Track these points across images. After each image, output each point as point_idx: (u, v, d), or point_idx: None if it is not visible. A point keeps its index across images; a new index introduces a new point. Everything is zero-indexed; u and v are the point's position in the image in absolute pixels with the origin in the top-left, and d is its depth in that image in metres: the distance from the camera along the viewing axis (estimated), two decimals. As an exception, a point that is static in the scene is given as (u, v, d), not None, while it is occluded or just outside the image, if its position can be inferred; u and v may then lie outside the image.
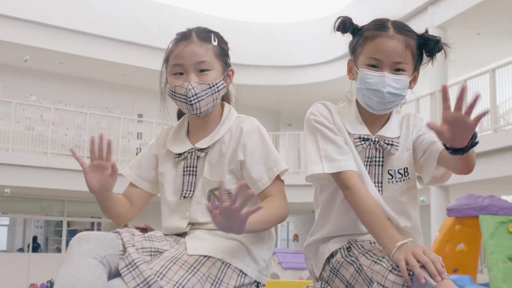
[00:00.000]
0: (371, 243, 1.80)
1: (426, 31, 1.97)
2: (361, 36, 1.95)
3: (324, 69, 20.26)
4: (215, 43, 2.02)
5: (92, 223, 21.18)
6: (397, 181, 1.92)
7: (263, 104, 22.54)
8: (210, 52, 1.98)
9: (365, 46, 1.93)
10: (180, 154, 2.03)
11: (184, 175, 1.95)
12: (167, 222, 1.91)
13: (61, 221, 20.64)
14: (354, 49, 1.98)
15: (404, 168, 1.93)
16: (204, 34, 2.04)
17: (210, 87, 1.96)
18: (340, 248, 1.81)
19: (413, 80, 1.97)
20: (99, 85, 20.51)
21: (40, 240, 21.21)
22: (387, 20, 1.96)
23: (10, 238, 21.33)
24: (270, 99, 22.49)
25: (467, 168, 1.74)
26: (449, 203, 9.31)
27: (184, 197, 1.91)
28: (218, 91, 2.00)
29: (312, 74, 20.56)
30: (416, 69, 1.97)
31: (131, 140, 18.44)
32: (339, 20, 2.00)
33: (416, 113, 2.11)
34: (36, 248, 20.45)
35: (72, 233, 21.07)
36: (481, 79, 13.25)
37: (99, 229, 21.06)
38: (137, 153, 18.21)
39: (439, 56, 1.88)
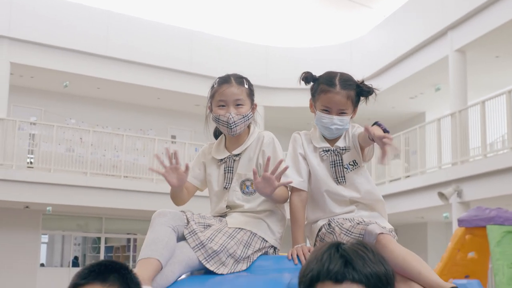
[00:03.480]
0: (344, 219, 2.57)
1: (362, 82, 2.75)
2: (318, 86, 2.73)
3: (349, 91, 20.90)
4: (246, 86, 2.80)
5: (129, 239, 21.94)
6: (351, 170, 2.68)
7: (292, 125, 23.09)
8: (244, 93, 2.78)
9: (321, 96, 2.73)
10: (221, 159, 2.81)
11: (225, 173, 2.75)
12: (215, 206, 2.74)
13: (99, 238, 21.40)
14: (313, 94, 2.77)
15: (353, 161, 2.70)
16: (239, 80, 2.83)
17: (243, 117, 2.75)
18: (324, 225, 2.60)
19: (353, 115, 2.74)
20: (134, 108, 21.36)
21: (79, 257, 22.01)
22: (335, 76, 2.73)
23: (50, 254, 22.07)
24: (298, 120, 23.06)
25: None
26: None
27: (225, 188, 2.72)
28: (248, 119, 2.78)
29: (338, 96, 21.21)
30: (354, 108, 2.74)
31: (165, 160, 19.11)
32: (303, 75, 2.79)
33: (354, 124, 2.87)
34: (75, 263, 21.27)
35: (109, 249, 21.84)
36: (499, 100, 13.71)
37: (135, 245, 21.81)
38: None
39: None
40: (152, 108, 21.70)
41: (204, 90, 14.27)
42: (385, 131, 2.48)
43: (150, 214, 11.92)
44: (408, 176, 17.29)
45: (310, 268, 1.47)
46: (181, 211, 2.59)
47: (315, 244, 2.66)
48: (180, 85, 20.08)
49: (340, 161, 2.71)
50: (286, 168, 2.45)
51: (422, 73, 17.23)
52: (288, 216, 2.70)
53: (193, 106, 21.33)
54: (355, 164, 2.72)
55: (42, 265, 20.85)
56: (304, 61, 21.41)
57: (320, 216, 2.67)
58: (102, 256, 21.16)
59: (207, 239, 2.42)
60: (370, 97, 2.80)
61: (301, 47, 22.03)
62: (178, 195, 2.81)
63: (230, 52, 20.85)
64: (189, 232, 2.45)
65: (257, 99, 12.98)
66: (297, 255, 2.53)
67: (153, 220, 2.49)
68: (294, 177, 2.67)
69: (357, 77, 12.31)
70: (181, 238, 2.47)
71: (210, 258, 2.39)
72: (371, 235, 2.37)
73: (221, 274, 2.40)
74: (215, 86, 2.85)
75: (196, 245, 2.40)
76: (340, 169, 2.70)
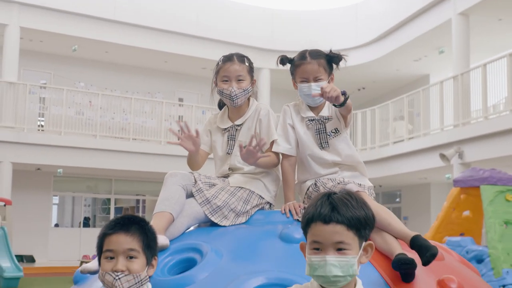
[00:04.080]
0: (328, 179, 2.94)
1: (330, 51, 3.09)
2: (293, 64, 3.07)
3: (354, 54, 21.03)
4: (247, 64, 3.15)
5: (138, 200, 22.46)
6: (333, 137, 3.04)
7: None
8: (244, 69, 3.13)
9: (297, 70, 3.07)
10: (225, 129, 3.17)
11: (228, 140, 3.12)
12: (219, 168, 3.12)
13: (109, 199, 21.89)
14: (292, 72, 3.10)
15: (335, 129, 3.05)
16: (241, 58, 3.18)
17: (244, 91, 3.11)
18: (311, 184, 2.98)
19: (331, 81, 3.07)
20: (142, 72, 21.65)
21: (90, 218, 22.51)
22: (305, 51, 3.09)
23: (60, 215, 22.55)
24: (302, 82, 23.34)
25: (349, 111, 2.99)
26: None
27: (228, 153, 3.10)
28: (248, 93, 3.13)
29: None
30: (329, 75, 3.07)
31: (173, 123, 19.42)
32: (279, 58, 3.13)
33: None
34: (86, 224, 21.82)
35: (118, 210, 22.33)
36: (500, 63, 13.92)
37: (144, 206, 22.31)
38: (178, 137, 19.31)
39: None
40: (160, 71, 21.99)
41: (211, 54, 14.77)
42: (343, 93, 2.82)
43: (159, 176, 12.66)
44: (411, 138, 17.59)
45: (308, 211, 1.86)
46: (189, 172, 2.96)
47: (304, 201, 3.03)
48: (187, 48, 20.30)
49: (324, 129, 3.05)
50: (264, 143, 2.83)
51: (425, 36, 17.41)
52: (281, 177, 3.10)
53: (200, 69, 21.59)
54: (337, 131, 3.06)
55: (55, 225, 21.39)
56: (310, 24, 21.57)
57: (308, 177, 3.04)
58: (112, 217, 21.63)
59: (212, 196, 2.81)
60: (341, 63, 3.14)
61: (306, 10, 22.14)
62: (194, 160, 3.17)
63: (237, 15, 21.02)
64: (197, 190, 2.84)
65: (263, 62, 13.52)
66: (289, 210, 2.91)
67: (165, 180, 2.87)
68: (284, 145, 3.04)
69: (363, 39, 12.73)
70: (190, 195, 2.86)
71: (215, 212, 2.79)
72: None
73: (224, 226, 2.80)
74: (219, 63, 3.19)
75: (203, 201, 2.79)
76: (323, 136, 3.04)
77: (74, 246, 20.39)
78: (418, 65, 20.39)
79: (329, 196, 1.85)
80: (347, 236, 1.76)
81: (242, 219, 2.85)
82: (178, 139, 3.10)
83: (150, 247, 2.07)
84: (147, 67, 21.64)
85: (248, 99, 3.21)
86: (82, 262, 15.37)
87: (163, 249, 2.45)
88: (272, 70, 21.27)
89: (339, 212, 1.78)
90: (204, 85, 22.76)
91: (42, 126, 17.86)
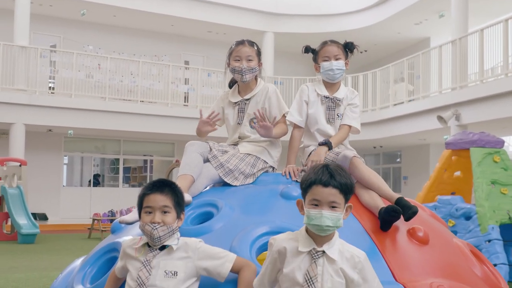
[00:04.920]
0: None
1: (345, 41, 3.65)
2: (315, 51, 3.63)
3: (356, 17, 21.38)
4: (256, 48, 3.69)
5: (145, 161, 23.07)
6: (339, 118, 3.59)
7: (298, 49, 23.74)
8: (253, 52, 3.66)
9: (319, 52, 3.63)
10: (236, 102, 3.72)
11: (238, 112, 3.67)
12: (230, 137, 3.68)
13: (117, 159, 22.50)
14: (314, 58, 3.65)
15: (342, 114, 3.61)
16: (251, 43, 3.72)
17: (252, 69, 3.64)
18: (313, 149, 3.54)
19: (346, 65, 3.63)
20: (148, 35, 22.04)
21: (100, 176, 23.14)
22: (326, 40, 3.63)
23: (70, 175, 23.14)
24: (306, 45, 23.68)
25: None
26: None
27: (238, 123, 3.65)
28: (255, 71, 3.67)
29: (346, 22, 21.62)
30: (346, 58, 3.63)
31: (179, 85, 19.90)
32: (303, 47, 3.72)
33: (354, 90, 3.77)
34: (95, 183, 22.48)
35: (126, 170, 22.95)
36: (497, 28, 14.31)
37: (151, 166, 22.91)
38: (185, 97, 19.76)
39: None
40: (166, 34, 22.37)
41: (216, 17, 15.43)
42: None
43: (165, 137, 13.62)
44: (411, 100, 18.07)
45: (310, 177, 2.41)
46: (205, 142, 3.52)
47: (305, 162, 3.59)
48: (193, 12, 20.65)
49: (334, 107, 3.63)
50: (275, 119, 3.44)
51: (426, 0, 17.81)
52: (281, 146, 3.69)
53: (206, 32, 21.97)
54: (341, 116, 3.64)
55: (65, 185, 21.99)
56: (313, -13, 21.83)
57: (312, 143, 3.63)
58: (120, 176, 22.30)
59: (224, 161, 3.38)
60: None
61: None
62: (203, 135, 3.73)
63: (241, -20, 21.31)
64: (212, 157, 3.41)
65: (267, 25, 14.15)
66: (289, 173, 3.49)
67: (186, 149, 3.43)
68: (297, 117, 3.62)
69: (365, 3, 13.34)
70: (206, 160, 3.43)
71: (227, 174, 3.36)
72: (347, 158, 3.29)
73: (235, 186, 3.37)
74: (233, 46, 3.74)
75: (217, 165, 3.36)
76: (332, 112, 3.63)
77: (85, 205, 21.08)
78: (418, 28, 20.73)
79: (327, 167, 2.41)
80: (339, 197, 2.33)
81: (250, 180, 3.43)
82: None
83: (179, 204, 2.64)
84: (154, 30, 22.03)
85: (256, 78, 3.76)
86: (94, 220, 16.02)
87: (187, 204, 3.02)
88: (276, 34, 21.64)
89: (335, 179, 2.34)
90: (209, 48, 23.28)
91: (53, 89, 18.36)
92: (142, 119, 18.85)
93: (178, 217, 2.61)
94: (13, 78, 17.25)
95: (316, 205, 2.32)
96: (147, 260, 2.52)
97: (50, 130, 19.49)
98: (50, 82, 18.53)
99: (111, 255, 3.03)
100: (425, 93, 17.36)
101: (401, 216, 2.91)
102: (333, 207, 2.32)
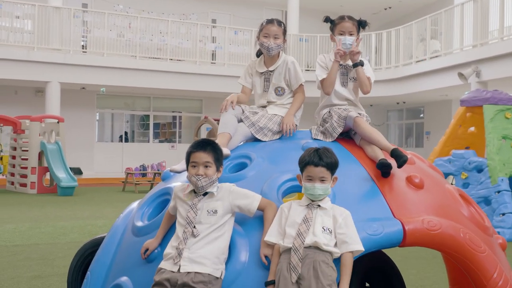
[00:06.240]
0: (338, 108, 4.10)
1: (360, 19, 4.23)
2: (334, 22, 4.21)
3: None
4: (283, 27, 4.26)
5: (174, 117, 23.71)
6: (352, 82, 4.16)
7: (325, 7, 24.08)
8: (280, 31, 4.24)
9: (337, 26, 4.19)
10: (262, 72, 4.33)
11: (264, 81, 4.27)
12: (258, 101, 4.28)
13: (147, 116, 23.24)
14: (332, 29, 4.23)
15: (354, 77, 4.20)
16: (279, 22, 4.29)
17: (278, 45, 4.21)
18: (326, 111, 4.15)
19: (357, 39, 4.21)
20: (176, -6, 22.58)
21: (129, 133, 23.95)
22: (344, 15, 4.21)
23: (101, 131, 23.91)
24: (332, 2, 23.95)
25: (361, 78, 4.14)
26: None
27: (265, 91, 4.25)
28: (281, 47, 4.25)
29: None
30: (358, 33, 4.21)
31: (207, 43, 20.44)
32: (324, 17, 4.27)
33: (366, 62, 4.34)
34: (126, 139, 23.30)
35: (156, 126, 23.71)
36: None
37: (180, 122, 23.62)
38: (212, 55, 20.32)
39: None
40: (193, -7, 22.88)
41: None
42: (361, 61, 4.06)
43: (193, 93, 14.79)
44: (433, 57, 18.47)
45: (304, 158, 3.12)
46: (238, 105, 4.12)
47: (320, 123, 4.18)
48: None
49: (347, 72, 4.20)
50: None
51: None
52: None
53: (232, -9, 22.46)
54: (355, 79, 4.21)
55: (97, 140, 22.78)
56: None
57: (326, 104, 4.21)
58: (151, 132, 23.07)
59: (255, 120, 3.99)
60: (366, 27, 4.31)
61: None
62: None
63: None
64: (245, 117, 4.02)
65: None
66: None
67: (222, 113, 4.05)
68: (323, 75, 4.18)
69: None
70: (240, 121, 4.05)
71: (258, 132, 3.97)
72: (351, 118, 3.91)
73: (264, 141, 3.99)
74: (263, 24, 4.32)
75: (249, 124, 3.98)
76: (346, 77, 4.20)
77: (117, 159, 21.94)
78: (442, -15, 20.96)
79: (317, 150, 3.12)
80: (326, 173, 3.06)
81: (277, 136, 4.03)
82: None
83: (219, 159, 3.27)
84: (181, -11, 22.48)
85: (279, 51, 4.35)
86: (127, 174, 16.83)
87: (226, 157, 3.65)
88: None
89: (323, 160, 3.06)
90: (235, 6, 23.75)
91: (86, 48, 19.05)
92: (171, 77, 19.53)
93: (218, 170, 3.24)
94: (48, 38, 17.96)
95: (310, 179, 3.05)
96: (193, 204, 3.17)
97: (83, 88, 20.25)
98: (82, 40, 19.18)
99: (163, 198, 3.68)
100: (447, 50, 17.74)
101: (396, 164, 3.56)
102: (323, 180, 3.05)
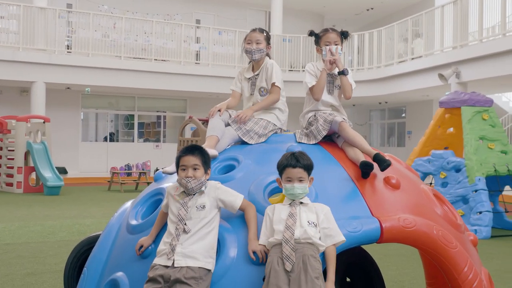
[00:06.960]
0: (324, 113, 4.33)
1: (341, 30, 4.46)
2: (318, 36, 4.43)
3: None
4: (265, 34, 4.49)
5: (159, 116, 23.86)
6: (337, 90, 4.38)
7: (308, 7, 24.35)
8: (262, 37, 4.47)
9: (322, 37, 4.41)
10: (249, 78, 4.56)
11: (251, 85, 4.51)
12: (246, 105, 4.51)
13: (132, 115, 23.36)
14: (316, 42, 4.45)
15: (339, 85, 4.42)
16: (261, 29, 4.52)
17: (260, 50, 4.45)
18: (311, 115, 4.37)
19: (341, 49, 4.44)
20: (161, -6, 22.70)
21: (114, 133, 23.96)
22: (327, 28, 4.44)
23: (85, 130, 23.88)
24: (315, 2, 24.20)
25: (345, 85, 4.36)
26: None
27: (251, 94, 4.49)
28: (262, 52, 4.48)
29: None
30: (342, 43, 4.44)
31: (191, 44, 20.62)
32: (309, 32, 4.49)
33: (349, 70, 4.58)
34: (111, 139, 23.39)
35: (141, 125, 23.82)
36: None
37: (164, 122, 23.76)
38: (196, 55, 20.48)
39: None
40: (177, -7, 23.00)
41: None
42: (344, 70, 4.29)
43: (178, 93, 15.05)
44: (415, 58, 18.78)
45: (283, 162, 3.35)
46: (226, 110, 4.35)
47: (305, 126, 4.40)
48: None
49: (333, 81, 4.42)
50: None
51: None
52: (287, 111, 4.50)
53: (216, -9, 22.62)
54: (339, 87, 4.44)
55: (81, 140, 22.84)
56: None
57: (311, 109, 4.44)
58: (135, 132, 23.19)
59: (242, 124, 4.24)
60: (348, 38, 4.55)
61: None
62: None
63: None
64: (232, 121, 4.25)
65: None
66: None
67: (211, 118, 4.28)
68: (313, 82, 4.39)
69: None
70: (227, 125, 4.27)
71: (245, 135, 4.19)
72: (336, 122, 4.14)
73: (251, 144, 4.21)
74: (248, 32, 4.55)
75: (237, 127, 4.20)
76: (332, 85, 4.42)
77: (102, 159, 22.05)
78: (423, -13, 21.26)
79: (293, 154, 3.36)
80: (304, 174, 3.29)
81: (263, 139, 4.25)
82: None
83: (206, 163, 3.49)
84: (166, -10, 22.61)
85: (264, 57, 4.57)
86: (113, 173, 16.97)
87: (214, 158, 3.88)
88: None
89: (300, 162, 3.30)
90: (219, 7, 23.94)
91: (70, 48, 19.15)
92: (156, 77, 19.70)
93: (206, 172, 3.47)
94: (33, 38, 18.06)
95: (290, 180, 3.28)
96: (184, 202, 3.40)
97: (68, 88, 20.35)
98: (67, 39, 19.27)
99: (156, 198, 3.89)
100: (428, 52, 18.05)
101: (377, 167, 3.78)
102: (301, 180, 3.28)
